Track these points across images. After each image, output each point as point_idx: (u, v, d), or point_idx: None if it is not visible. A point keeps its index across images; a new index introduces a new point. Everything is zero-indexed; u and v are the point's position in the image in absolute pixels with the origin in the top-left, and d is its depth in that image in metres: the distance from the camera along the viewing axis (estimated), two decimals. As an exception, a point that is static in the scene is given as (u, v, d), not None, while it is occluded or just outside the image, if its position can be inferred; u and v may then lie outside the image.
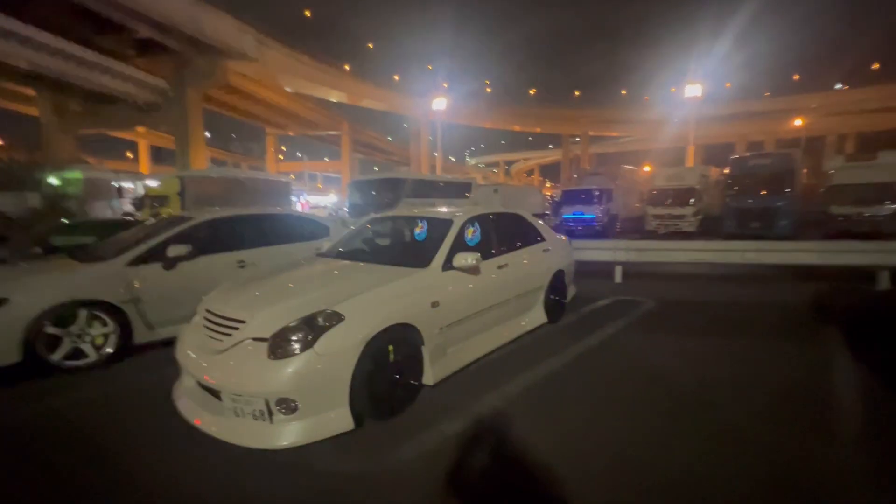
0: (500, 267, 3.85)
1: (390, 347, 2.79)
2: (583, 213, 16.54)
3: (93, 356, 3.76)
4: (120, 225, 6.86)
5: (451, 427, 2.70)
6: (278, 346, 2.44)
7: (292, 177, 24.91)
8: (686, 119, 43.47)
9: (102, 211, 17.84)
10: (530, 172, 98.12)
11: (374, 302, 2.78)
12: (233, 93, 36.01)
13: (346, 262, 3.65)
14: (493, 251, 3.86)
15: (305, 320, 2.53)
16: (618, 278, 7.16)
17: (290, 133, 49.44)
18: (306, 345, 2.43)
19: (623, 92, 66.28)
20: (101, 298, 3.81)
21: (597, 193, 17.09)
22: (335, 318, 2.56)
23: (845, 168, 14.11)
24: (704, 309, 5.56)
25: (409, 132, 57.19)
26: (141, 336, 4.02)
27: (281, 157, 57.16)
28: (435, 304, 3.08)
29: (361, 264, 3.54)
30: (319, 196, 49.02)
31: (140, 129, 41.83)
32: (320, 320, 2.54)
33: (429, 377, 3.07)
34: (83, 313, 3.74)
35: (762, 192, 13.62)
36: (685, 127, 45.18)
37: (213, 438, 2.51)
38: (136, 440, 2.66)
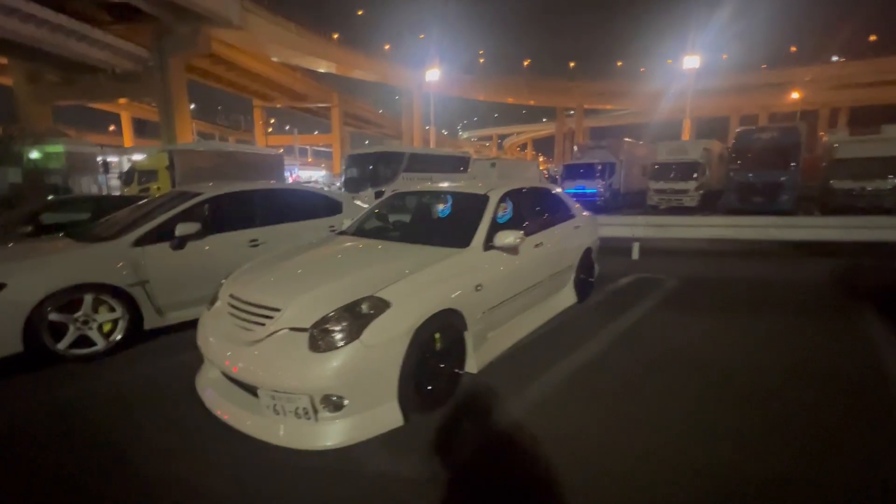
0: (536, 246, 3.62)
1: (437, 335, 2.58)
2: (584, 188, 16.28)
3: (101, 344, 3.50)
4: (114, 201, 6.46)
5: (501, 420, 2.53)
6: (320, 338, 2.21)
7: (281, 150, 24.10)
8: (682, 92, 42.89)
9: (88, 186, 17.12)
10: (523, 147, 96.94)
11: (420, 286, 2.54)
12: (218, 63, 34.55)
13: (376, 242, 3.39)
14: (528, 229, 3.63)
15: (348, 308, 2.29)
16: (635, 255, 7.00)
17: (279, 105, 47.79)
18: (351, 336, 2.21)
19: (619, 63, 65.01)
20: (107, 282, 3.52)
21: (599, 168, 16.79)
22: (381, 306, 2.32)
23: (848, 142, 13.94)
24: (729, 287, 5.43)
25: (401, 105, 55.70)
26: (151, 321, 3.76)
27: (270, 129, 55.44)
28: (478, 287, 2.86)
29: (393, 244, 3.28)
30: (310, 171, 47.96)
31: (122, 100, 40.15)
32: (364, 308, 2.30)
33: (472, 365, 2.88)
34: (88, 298, 3.45)
35: (766, 166, 13.46)
36: (681, 100, 44.61)
37: (243, 434, 2.32)
38: (157, 437, 2.45)
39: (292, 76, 42.63)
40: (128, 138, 46.48)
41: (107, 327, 3.56)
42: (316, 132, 64.06)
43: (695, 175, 15.93)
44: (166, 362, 3.40)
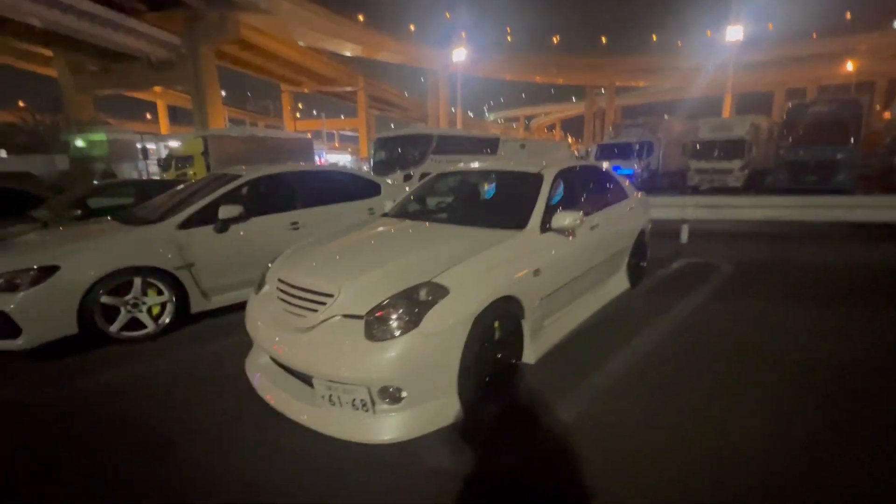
0: (592, 228, 3.38)
1: (496, 324, 2.42)
2: (619, 168, 15.64)
3: (151, 326, 3.52)
4: (155, 185, 6.55)
5: (565, 415, 2.36)
6: (377, 326, 2.09)
7: (309, 135, 24.25)
8: (722, 66, 40.46)
9: (129, 172, 17.72)
10: (551, 127, 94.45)
11: (478, 271, 2.38)
12: (247, 49, 34.77)
13: (423, 224, 3.23)
14: (584, 210, 3.40)
15: (405, 295, 2.15)
16: (684, 238, 6.61)
17: (306, 90, 48.06)
18: (409, 324, 2.07)
19: (654, 37, 61.75)
20: (155, 265, 3.52)
21: (636, 147, 16.06)
22: (439, 292, 2.17)
23: (919, 115, 12.77)
24: (791, 272, 5.03)
25: (426, 87, 54.99)
26: (197, 304, 3.76)
27: (298, 115, 55.91)
28: (537, 272, 2.67)
29: (442, 226, 3.11)
30: (337, 155, 48.22)
31: (157, 88, 41.18)
32: (422, 295, 2.16)
33: (529, 355, 2.71)
34: (137, 281, 3.46)
35: (822, 142, 12.49)
36: (721, 74, 42.08)
37: (293, 421, 2.25)
38: (206, 421, 2.42)
39: (319, 60, 42.57)
40: (163, 125, 47.82)
41: (155, 310, 3.58)
42: (342, 116, 64.21)
43: (741, 153, 15.00)
44: (214, 346, 3.39)
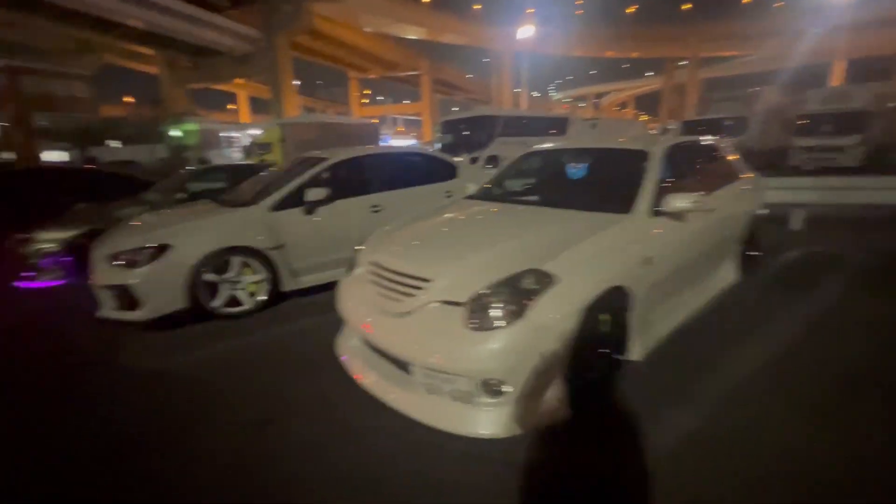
0: (705, 211, 3.00)
1: (603, 316, 2.20)
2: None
3: (248, 304, 3.71)
4: (244, 170, 6.93)
5: (679, 421, 2.11)
6: (479, 314, 1.96)
7: (375, 120, 24.73)
8: (833, 27, 35.21)
9: (215, 158, 19.27)
10: (623, 105, 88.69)
11: (586, 259, 2.17)
12: (317, 38, 35.97)
13: (514, 207, 3.05)
14: (696, 191, 3.02)
15: (508, 282, 2.00)
16: (796, 224, 5.81)
17: (372, 76, 48.99)
18: (514, 314, 1.92)
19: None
20: (251, 245, 3.68)
21: (726, 123, 14.51)
22: (546, 281, 2.00)
23: None
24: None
25: (489, 67, 53.79)
26: (288, 284, 3.90)
27: (366, 101, 57.27)
28: (648, 261, 2.40)
29: (537, 209, 2.91)
30: (401, 139, 48.95)
31: (238, 80, 44.13)
32: (528, 283, 2.00)
33: (636, 351, 2.47)
34: (236, 260, 3.65)
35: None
36: (830, 38, 36.68)
37: (383, 403, 2.22)
38: (298, 397, 2.48)
39: (384, 45, 43.10)
40: (244, 115, 51.23)
41: (251, 288, 3.76)
42: (405, 101, 64.87)
43: (860, 127, 12.97)
44: (305, 323, 3.49)
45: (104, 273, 3.42)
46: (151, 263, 3.32)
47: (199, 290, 3.50)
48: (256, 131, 20.38)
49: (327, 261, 4.00)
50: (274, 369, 2.83)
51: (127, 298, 3.35)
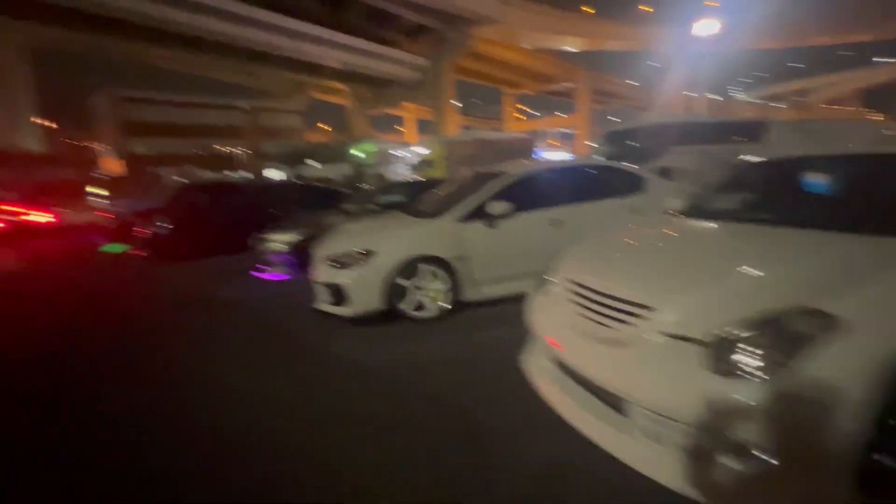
0: None
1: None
2: None
3: (432, 310, 3.93)
4: (420, 185, 7.56)
5: None
6: (725, 357, 1.62)
7: (530, 135, 24.79)
8: None
9: (386, 175, 21.92)
10: (834, 102, 71.33)
11: (883, 297, 1.64)
12: (477, 59, 38.07)
13: (748, 227, 2.55)
14: None
15: (769, 321, 1.61)
16: None
17: (527, 91, 49.57)
18: (777, 362, 1.53)
19: None
20: (438, 254, 3.91)
21: None
22: (825, 324, 1.55)
23: None
24: None
25: (653, 73, 49.26)
26: (469, 294, 4.02)
27: (522, 116, 58.17)
28: None
29: (790, 231, 2.35)
30: (555, 153, 48.11)
31: (403, 104, 49.56)
32: (799, 324, 1.58)
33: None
34: (424, 268, 3.91)
35: None
36: None
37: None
38: (491, 410, 2.48)
39: (539, 59, 43.23)
40: (411, 135, 56.96)
41: (435, 295, 3.98)
42: (555, 113, 63.68)
43: None
44: (489, 334, 3.53)
45: (322, 271, 4.02)
46: (359, 266, 3.77)
47: (394, 293, 3.84)
48: (419, 149, 22.38)
49: (508, 273, 4.02)
50: (466, 376, 2.90)
51: (338, 295, 3.86)
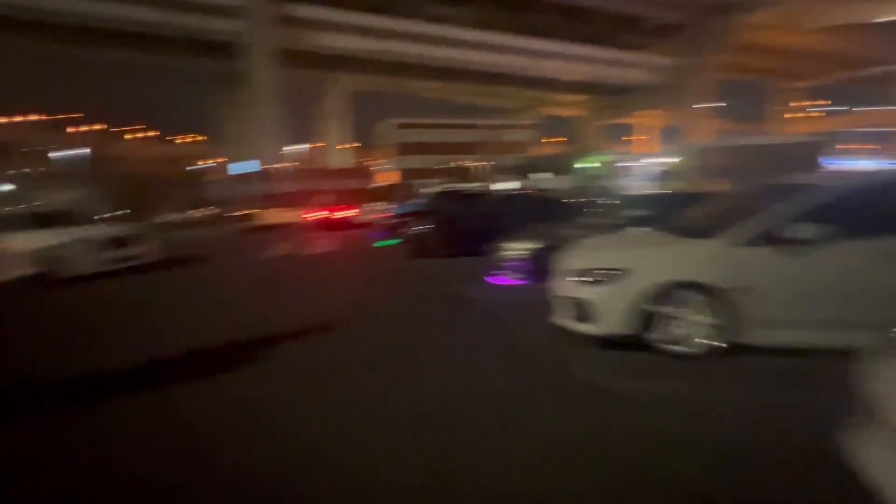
0: None
1: None
2: None
3: (693, 346, 3.33)
4: (668, 198, 6.71)
5: None
6: None
7: (824, 137, 19.02)
8: None
9: (618, 187, 20.59)
10: None
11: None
12: (743, 51, 31.78)
13: None
14: None
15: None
16: None
17: (810, 83, 38.57)
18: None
19: None
20: (707, 282, 3.29)
21: None
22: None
23: None
24: None
25: None
26: (751, 335, 3.24)
27: (807, 113, 45.67)
28: None
29: None
30: (869, 159, 35.42)
31: (636, 112, 45.81)
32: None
33: None
34: (685, 295, 3.35)
35: None
36: None
37: None
38: None
39: (836, 38, 32.87)
40: (643, 145, 52.19)
41: (699, 330, 3.36)
42: (852, 109, 46.84)
43: None
44: (773, 393, 2.77)
45: (566, 286, 3.91)
46: (610, 283, 3.50)
47: (645, 318, 3.42)
48: (658, 159, 20.17)
49: (816, 318, 3.08)
50: (747, 440, 2.30)
51: (582, 312, 3.69)
